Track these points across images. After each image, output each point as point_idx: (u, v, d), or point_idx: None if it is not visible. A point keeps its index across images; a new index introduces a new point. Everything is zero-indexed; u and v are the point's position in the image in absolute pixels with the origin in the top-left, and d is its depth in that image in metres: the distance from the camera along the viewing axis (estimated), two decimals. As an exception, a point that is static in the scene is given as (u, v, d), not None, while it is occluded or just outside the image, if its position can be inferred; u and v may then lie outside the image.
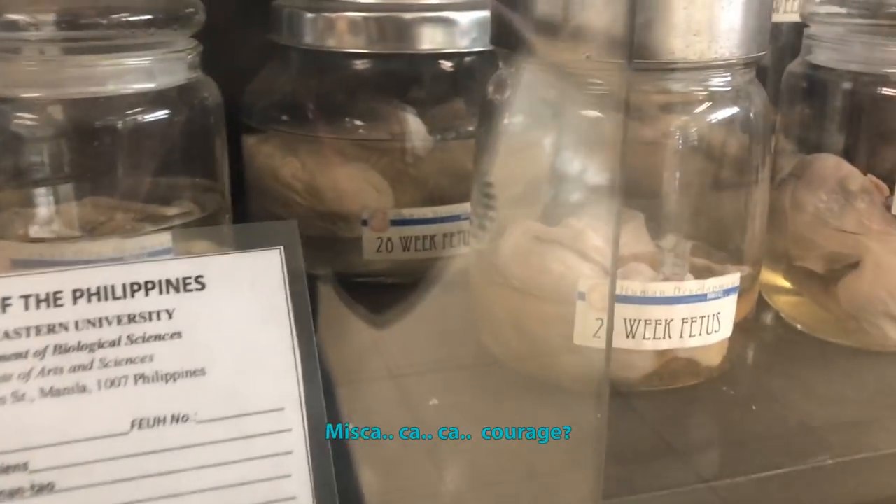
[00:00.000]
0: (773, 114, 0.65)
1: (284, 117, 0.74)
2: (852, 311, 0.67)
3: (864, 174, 0.66)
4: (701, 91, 0.58)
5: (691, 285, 0.59)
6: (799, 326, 0.69)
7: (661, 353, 0.60)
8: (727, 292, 0.60)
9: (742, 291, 0.62)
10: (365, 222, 0.71)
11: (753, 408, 0.59)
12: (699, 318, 0.60)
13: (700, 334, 0.60)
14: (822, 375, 0.64)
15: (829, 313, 0.68)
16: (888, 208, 0.63)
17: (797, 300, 0.69)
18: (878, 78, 0.64)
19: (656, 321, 0.59)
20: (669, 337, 0.59)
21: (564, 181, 0.64)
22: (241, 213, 0.76)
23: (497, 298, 0.62)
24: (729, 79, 0.58)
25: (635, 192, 0.67)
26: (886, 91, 0.64)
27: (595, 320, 0.59)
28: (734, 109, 0.59)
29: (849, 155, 0.65)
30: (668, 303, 0.59)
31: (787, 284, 0.69)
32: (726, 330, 0.61)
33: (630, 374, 0.61)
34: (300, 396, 0.45)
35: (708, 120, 0.60)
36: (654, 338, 0.59)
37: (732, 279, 0.60)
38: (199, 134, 0.59)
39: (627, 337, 0.59)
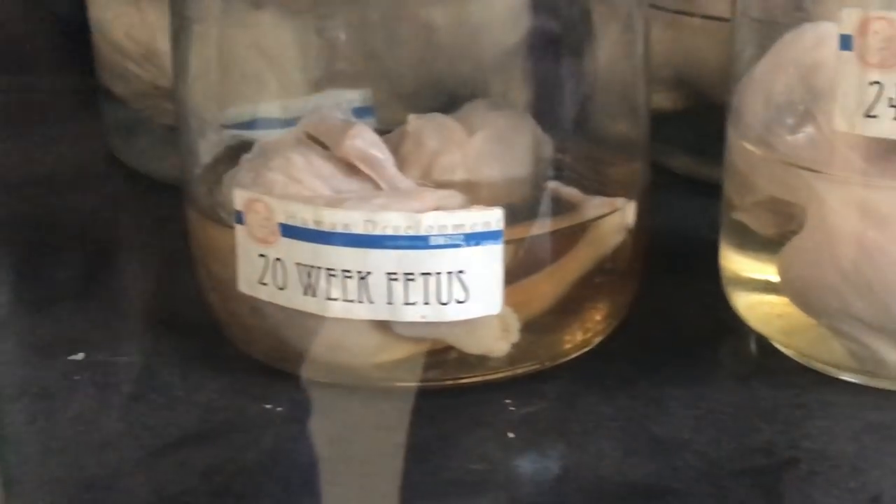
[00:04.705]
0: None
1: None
2: (798, 306, 0.46)
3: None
4: None
5: (395, 219, 0.43)
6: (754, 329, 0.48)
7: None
8: (474, 239, 0.44)
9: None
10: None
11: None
12: (419, 275, 0.44)
13: (426, 303, 0.44)
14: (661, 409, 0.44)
15: (777, 310, 0.47)
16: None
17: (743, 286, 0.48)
18: None
19: (344, 272, 0.45)
20: (370, 301, 0.45)
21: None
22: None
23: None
24: None
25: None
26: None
27: (259, 257, 0.46)
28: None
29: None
30: (357, 244, 0.44)
31: (732, 256, 0.48)
32: (484, 302, 0.44)
33: (348, 359, 0.46)
34: None
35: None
36: (345, 299, 0.45)
37: (484, 217, 0.43)
38: None
39: (306, 293, 0.45)
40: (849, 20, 0.39)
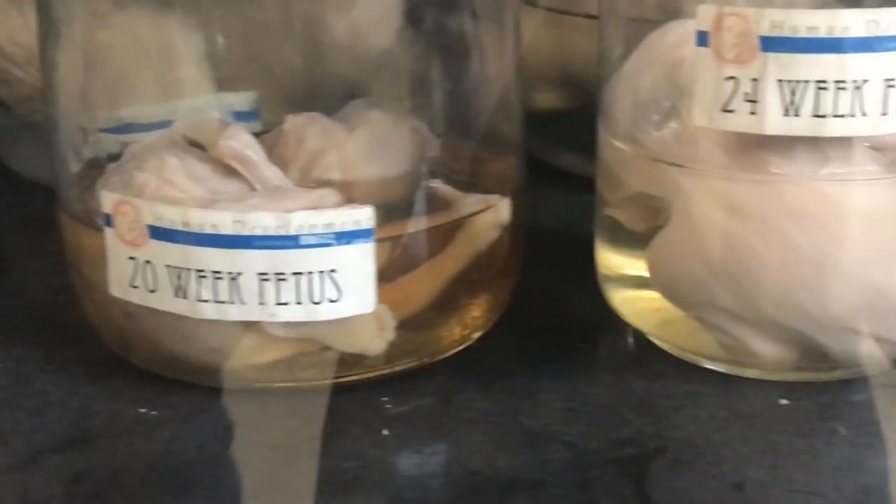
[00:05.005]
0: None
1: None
2: (667, 299, 0.47)
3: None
4: None
5: (265, 218, 0.44)
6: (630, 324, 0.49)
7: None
8: (345, 238, 0.44)
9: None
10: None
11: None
12: (291, 275, 0.44)
13: (298, 303, 0.45)
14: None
15: (652, 305, 0.48)
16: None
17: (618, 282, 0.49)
18: None
19: (214, 274, 0.45)
20: (242, 302, 0.45)
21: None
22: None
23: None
24: None
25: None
26: None
27: (128, 259, 0.46)
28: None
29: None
30: (227, 244, 0.44)
31: (606, 252, 0.50)
32: (357, 301, 0.44)
33: (223, 361, 0.46)
34: None
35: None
36: (217, 300, 0.45)
37: (354, 216, 0.44)
38: None
39: (177, 295, 0.46)
40: (704, 16, 0.40)
